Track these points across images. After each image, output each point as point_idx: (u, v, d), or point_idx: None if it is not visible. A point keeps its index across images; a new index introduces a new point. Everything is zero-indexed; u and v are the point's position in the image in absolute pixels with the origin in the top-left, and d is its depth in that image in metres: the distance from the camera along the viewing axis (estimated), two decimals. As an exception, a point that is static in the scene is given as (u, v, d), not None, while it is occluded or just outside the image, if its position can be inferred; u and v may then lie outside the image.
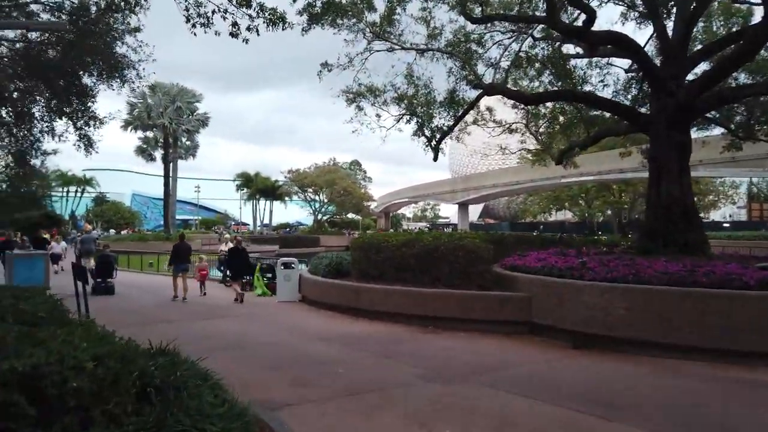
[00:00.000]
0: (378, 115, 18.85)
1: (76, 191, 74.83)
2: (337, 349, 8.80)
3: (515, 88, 15.32)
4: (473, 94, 15.46)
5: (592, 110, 16.78)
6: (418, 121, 16.43)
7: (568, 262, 11.46)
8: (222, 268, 19.37)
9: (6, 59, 14.54)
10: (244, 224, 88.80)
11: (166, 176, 46.64)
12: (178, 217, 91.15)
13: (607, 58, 15.97)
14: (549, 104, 19.05)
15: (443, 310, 10.98)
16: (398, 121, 18.73)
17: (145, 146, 51.26)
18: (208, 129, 48.34)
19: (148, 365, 4.30)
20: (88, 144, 16.02)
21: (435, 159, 16.79)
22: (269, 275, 16.10)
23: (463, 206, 58.64)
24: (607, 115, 16.58)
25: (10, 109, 15.47)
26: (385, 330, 10.69)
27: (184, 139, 51.25)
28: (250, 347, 8.92)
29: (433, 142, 16.85)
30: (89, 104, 14.87)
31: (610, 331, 8.90)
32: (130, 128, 45.67)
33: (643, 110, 14.34)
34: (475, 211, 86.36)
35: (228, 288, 18.04)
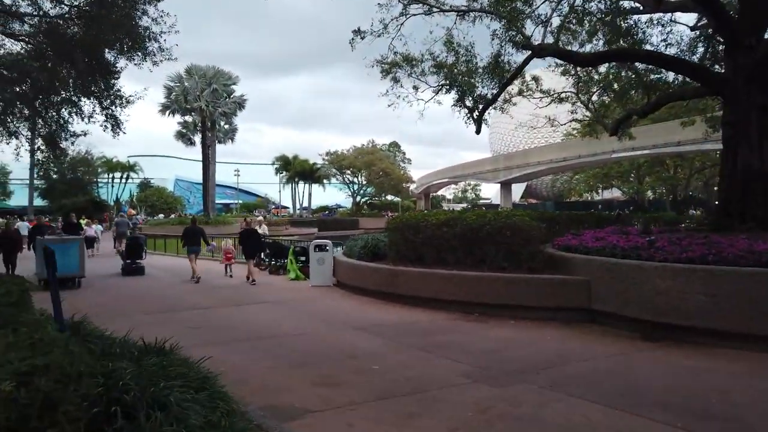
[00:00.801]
0: (415, 87, 17.72)
1: (121, 177, 76.45)
2: (370, 341, 7.85)
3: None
4: (520, 58, 14.12)
5: (653, 74, 15.14)
6: (458, 91, 15.18)
7: (631, 241, 10.21)
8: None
9: (28, 38, 14.04)
10: (284, 207, 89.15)
11: (205, 160, 46.56)
12: (218, 201, 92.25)
13: (670, 14, 14.28)
14: (602, 69, 17.47)
15: (489, 296, 9.89)
16: (437, 93, 17.51)
17: (184, 131, 51.36)
18: (249, 115, 48.47)
19: (125, 373, 3.40)
20: (115, 124, 15.47)
21: (478, 131, 15.55)
22: (303, 258, 15.30)
23: (506, 185, 56.59)
24: (670, 78, 14.92)
25: (36, 89, 15.02)
26: (425, 318, 9.68)
27: (222, 123, 51.08)
28: (275, 338, 8.06)
29: (476, 113, 15.59)
30: (113, 82, 14.27)
31: (687, 320, 7.65)
32: (167, 112, 45.68)
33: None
34: (517, 192, 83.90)
35: (262, 271, 17.39)
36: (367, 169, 68.58)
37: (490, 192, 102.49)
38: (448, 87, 15.94)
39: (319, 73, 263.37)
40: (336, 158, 71.06)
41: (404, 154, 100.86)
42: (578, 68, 17.94)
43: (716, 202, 12.98)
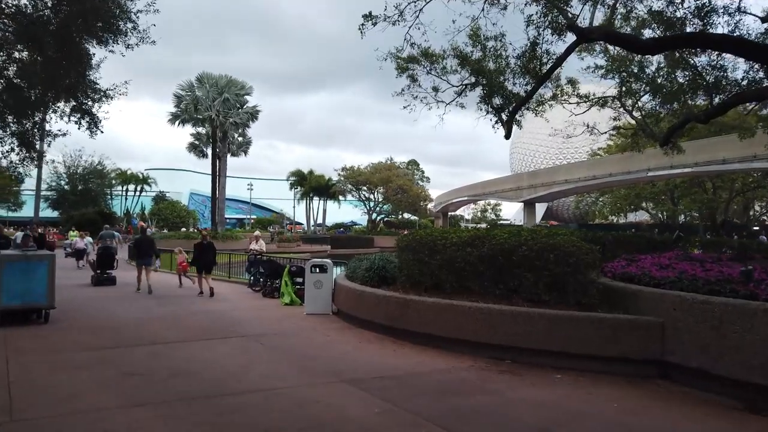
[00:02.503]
0: (435, 88, 15.57)
1: (135, 190, 75.48)
2: (366, 406, 5.55)
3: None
4: (560, 48, 11.85)
5: (717, 70, 12.79)
6: (485, 88, 12.97)
7: (712, 271, 7.87)
8: (252, 270, 16.55)
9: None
10: (299, 224, 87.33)
11: (214, 172, 44.80)
12: (233, 216, 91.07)
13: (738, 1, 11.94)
14: (652, 66, 15.18)
15: (526, 338, 7.57)
16: (460, 94, 15.32)
17: (197, 142, 49.97)
18: (267, 131, 46.78)
19: None
20: (91, 122, 13.53)
21: (507, 136, 13.28)
22: (300, 280, 13.08)
23: (530, 205, 53.78)
24: (740, 75, 12.56)
25: (3, 82, 13.21)
26: (442, 365, 7.38)
27: (236, 135, 49.55)
28: (233, 397, 5.80)
29: (505, 114, 13.35)
30: (87, 72, 12.35)
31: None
32: (177, 122, 44.12)
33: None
34: (538, 213, 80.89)
35: (255, 293, 15.22)
36: (384, 186, 66.42)
37: (510, 212, 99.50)
38: (473, 84, 13.76)
39: (337, 91, 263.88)
40: (352, 174, 69.07)
41: (423, 172, 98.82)
42: (623, 69, 15.70)
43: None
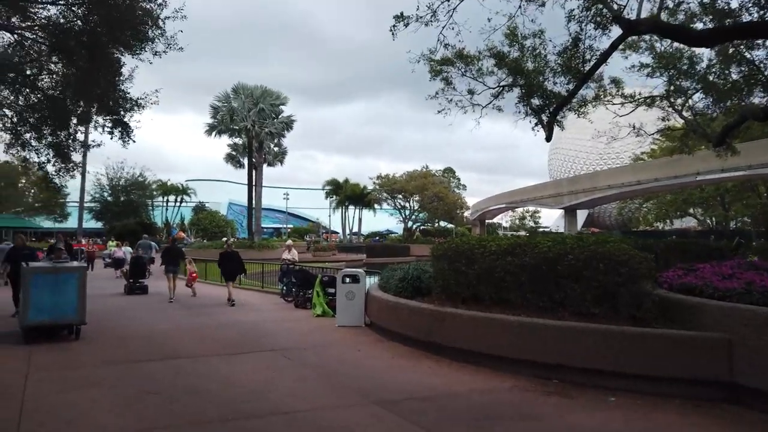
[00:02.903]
0: (471, 91, 15.02)
1: (176, 201, 77.02)
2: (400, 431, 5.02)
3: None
4: (604, 44, 11.12)
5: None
6: (524, 88, 12.33)
7: (787, 281, 7.05)
8: (284, 279, 16.21)
9: (25, 33, 12.31)
10: (334, 233, 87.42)
11: (250, 182, 45.07)
12: (269, 225, 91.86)
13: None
14: (702, 63, 14.27)
15: (575, 356, 6.89)
16: (497, 96, 14.72)
17: (234, 153, 50.53)
18: (304, 142, 46.94)
19: None
20: (124, 132, 13.50)
21: (548, 138, 12.58)
22: (332, 290, 12.64)
23: (571, 212, 52.08)
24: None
25: (39, 94, 13.33)
26: (482, 385, 6.77)
27: (272, 145, 49.85)
28: (250, 420, 5.34)
29: (545, 116, 12.68)
30: (117, 80, 12.30)
31: None
32: (214, 133, 44.66)
33: None
34: (579, 220, 78.57)
35: (287, 304, 14.86)
36: (420, 194, 65.75)
37: (550, 220, 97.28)
38: (510, 85, 13.14)
39: (372, 99, 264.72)
40: (387, 182, 68.70)
41: (459, 179, 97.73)
42: (671, 66, 14.79)
43: None
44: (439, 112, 15.18)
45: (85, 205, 60.20)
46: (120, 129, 13.39)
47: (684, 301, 7.10)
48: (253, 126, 43.01)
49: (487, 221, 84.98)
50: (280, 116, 46.41)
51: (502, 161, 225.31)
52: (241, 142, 48.24)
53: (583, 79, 11.09)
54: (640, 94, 15.81)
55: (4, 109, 14.49)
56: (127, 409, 5.62)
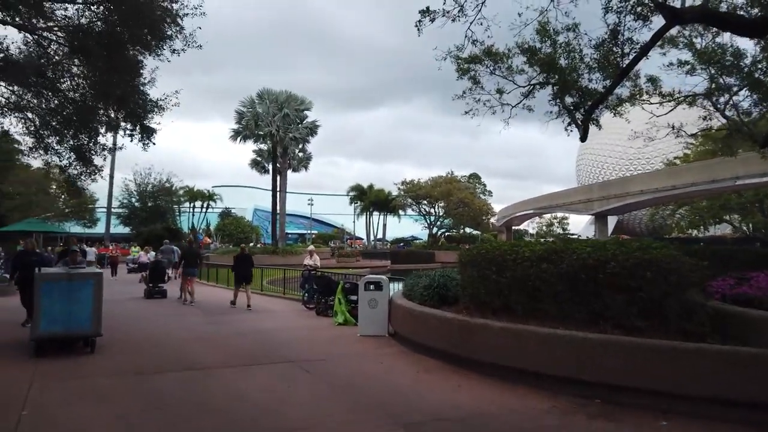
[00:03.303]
0: (500, 91, 14.43)
1: (202, 206, 77.68)
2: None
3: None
4: (644, 36, 10.40)
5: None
6: (556, 87, 11.68)
7: None
8: (306, 286, 15.77)
9: (45, 34, 12.14)
10: (359, 238, 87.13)
11: (274, 187, 44.96)
12: (294, 231, 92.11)
13: None
14: (746, 59, 13.40)
15: (621, 374, 6.23)
16: (527, 96, 14.10)
17: (258, 158, 50.59)
18: (328, 148, 46.80)
19: None
20: (144, 134, 13.25)
21: (583, 138, 11.89)
22: (354, 298, 12.12)
23: (601, 218, 50.58)
24: None
25: (60, 97, 13.16)
26: (516, 404, 6.15)
27: (296, 150, 49.77)
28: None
29: (579, 114, 11.99)
30: (136, 81, 12.03)
31: None
32: (239, 138, 44.75)
33: None
34: (612, 222, 76.12)
35: (309, 311, 14.39)
36: (445, 199, 64.96)
37: (577, 226, 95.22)
38: (542, 83, 12.50)
39: (396, 106, 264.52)
40: (412, 188, 68.09)
41: (484, 185, 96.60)
42: (713, 61, 13.95)
43: None
44: (466, 112, 14.65)
45: (114, 210, 61.11)
46: (141, 131, 13.12)
47: (744, 314, 6.39)
48: (277, 131, 42.91)
49: (513, 228, 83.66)
50: (304, 121, 46.29)
51: (527, 167, 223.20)
52: (266, 148, 48.25)
53: (622, 74, 10.38)
54: (679, 92, 14.96)
55: (26, 113, 14.42)
56: (131, 426, 5.17)
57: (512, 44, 13.66)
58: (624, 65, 10.25)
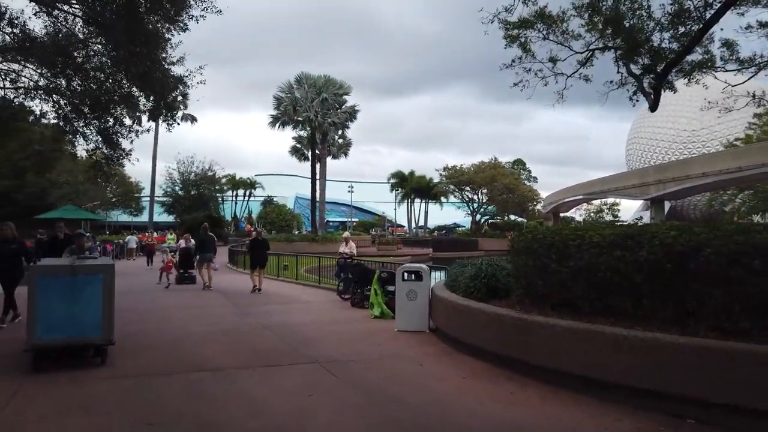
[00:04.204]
0: (553, 59, 12.98)
1: (244, 194, 78.26)
2: None
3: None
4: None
5: None
6: (621, 49, 10.18)
7: None
8: (341, 275, 14.78)
9: (63, 7, 11.43)
10: (400, 226, 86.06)
11: (313, 174, 44.24)
12: (336, 219, 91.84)
13: None
14: None
15: (721, 388, 4.91)
16: (585, 63, 12.61)
17: (298, 146, 50.04)
18: (369, 136, 45.71)
19: None
20: (168, 113, 12.46)
21: (654, 107, 10.37)
22: (392, 289, 11.02)
23: (658, 203, 47.51)
24: None
25: (81, 76, 12.49)
26: (586, 422, 4.97)
27: (336, 137, 48.92)
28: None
29: (647, 80, 10.47)
30: (156, 54, 11.18)
31: None
32: (278, 124, 44.10)
33: None
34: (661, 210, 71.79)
35: (344, 302, 13.39)
36: (489, 186, 62.98)
37: (627, 213, 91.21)
38: (604, 46, 11.00)
39: (438, 93, 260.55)
40: (454, 173, 66.35)
41: (529, 172, 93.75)
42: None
43: None
44: (515, 84, 13.25)
45: (158, 199, 62.01)
46: (165, 110, 12.32)
47: None
48: (316, 116, 42.01)
49: (561, 214, 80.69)
50: (343, 106, 45.22)
51: (572, 153, 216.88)
52: (305, 135, 47.57)
53: (706, 26, 8.79)
54: (761, 56, 13.08)
55: (52, 95, 13.88)
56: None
57: (566, 5, 12.20)
58: (707, 17, 8.68)
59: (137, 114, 13.03)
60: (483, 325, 7.41)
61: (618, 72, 12.00)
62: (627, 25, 9.70)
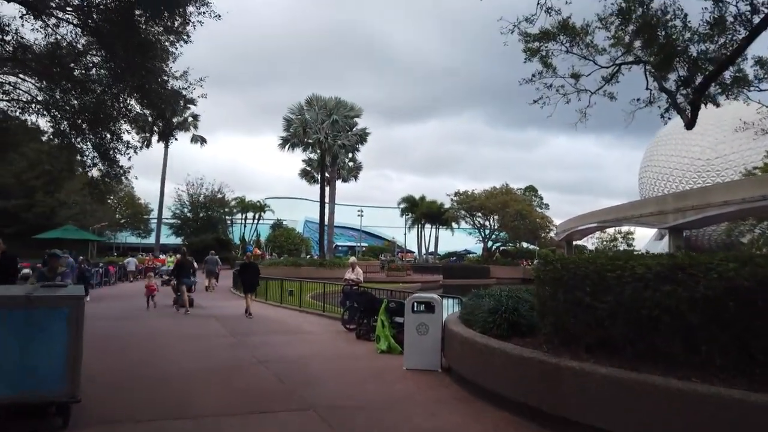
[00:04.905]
0: (575, 75, 12.21)
1: (254, 217, 77.67)
2: None
3: None
4: None
5: None
6: (649, 63, 9.34)
7: None
8: (346, 303, 13.82)
9: (59, 14, 10.83)
10: (410, 252, 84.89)
11: (322, 196, 43.46)
12: (344, 243, 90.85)
13: None
14: None
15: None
16: (611, 80, 11.80)
17: (308, 168, 49.49)
18: (377, 161, 45.08)
19: None
20: (165, 126, 11.76)
21: (690, 124, 9.42)
22: (400, 320, 10.05)
23: (677, 232, 46.06)
24: None
25: (78, 89, 11.86)
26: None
27: (346, 159, 48.32)
28: None
29: (682, 95, 9.61)
30: (151, 63, 10.49)
31: None
32: (287, 146, 43.55)
33: None
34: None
35: (349, 333, 12.41)
36: (501, 212, 61.89)
37: (641, 242, 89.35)
38: (634, 60, 10.19)
39: (447, 119, 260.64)
40: (465, 199, 65.37)
41: (541, 198, 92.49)
42: None
43: None
44: (535, 101, 12.46)
45: (167, 221, 61.55)
46: (161, 123, 11.63)
47: None
48: (326, 138, 41.38)
49: (574, 242, 79.20)
50: (354, 129, 44.65)
51: (583, 181, 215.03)
52: (315, 157, 46.98)
53: (751, 35, 7.91)
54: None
55: (50, 109, 13.27)
56: None
57: (590, 17, 11.44)
58: (756, 22, 7.81)
59: (134, 127, 12.33)
60: (505, 369, 6.42)
61: (647, 88, 11.16)
62: (661, 34, 8.85)
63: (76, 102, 12.22)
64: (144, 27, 10.06)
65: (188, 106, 51.77)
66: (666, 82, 10.60)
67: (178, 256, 19.66)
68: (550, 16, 10.39)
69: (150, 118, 11.69)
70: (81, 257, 21.99)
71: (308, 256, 60.94)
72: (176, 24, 9.92)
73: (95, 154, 13.62)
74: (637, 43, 10.00)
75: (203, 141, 52.34)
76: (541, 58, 11.79)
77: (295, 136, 42.59)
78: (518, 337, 7.11)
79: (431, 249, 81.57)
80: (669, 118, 10.55)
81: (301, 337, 11.96)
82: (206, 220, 61.88)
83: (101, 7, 10.12)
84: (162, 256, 51.43)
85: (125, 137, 13.20)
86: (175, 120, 48.73)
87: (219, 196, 64.67)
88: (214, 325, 13.55)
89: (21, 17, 9.85)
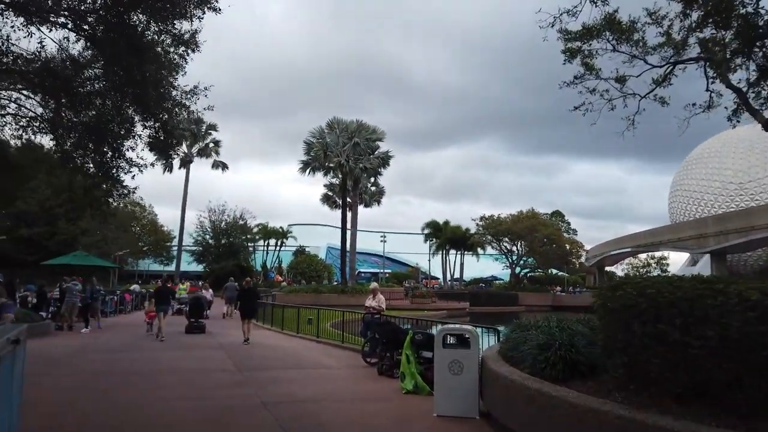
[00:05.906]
0: (621, 79, 11.01)
1: (276, 244, 77.01)
2: None
3: None
4: None
5: None
6: (726, 50, 8.03)
7: None
8: (368, 334, 12.48)
9: (57, 20, 10.02)
10: (434, 278, 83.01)
11: (343, 221, 42.32)
12: (367, 270, 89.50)
13: None
14: None
15: None
16: (661, 83, 10.59)
17: (330, 193, 48.68)
18: (399, 188, 43.85)
19: None
20: (166, 141, 10.80)
21: (767, 126, 8.03)
22: (429, 355, 8.70)
23: (718, 256, 43.54)
24: None
25: (75, 97, 11.01)
26: None
27: (368, 184, 47.32)
28: None
29: (753, 93, 8.26)
30: (147, 69, 9.52)
31: None
32: (308, 170, 42.66)
33: None
34: (706, 266, 65.33)
35: (369, 367, 11.03)
36: (529, 236, 59.91)
37: (674, 268, 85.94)
38: (696, 57, 8.92)
39: (466, 145, 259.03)
40: (491, 223, 63.61)
41: (569, 224, 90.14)
42: None
43: None
44: (576, 108, 11.26)
45: (189, 248, 61.14)
46: (164, 137, 10.63)
47: None
48: (347, 161, 40.44)
49: (606, 268, 76.45)
50: (376, 152, 43.64)
51: (608, 207, 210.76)
52: (336, 182, 46.11)
53: None
54: None
55: (51, 125, 12.48)
56: None
57: (636, 13, 10.25)
58: None
59: (138, 142, 11.40)
60: (566, 422, 5.02)
61: (707, 89, 9.83)
62: (739, 12, 7.53)
63: (76, 119, 11.38)
64: (140, 28, 9.14)
65: (210, 132, 51.89)
66: (731, 77, 9.28)
67: (188, 283, 19.23)
68: (596, 6, 9.19)
69: (151, 131, 10.67)
70: (67, 279, 20.14)
71: (330, 283, 59.72)
72: (174, 18, 8.94)
73: (96, 172, 12.77)
74: (693, 38, 8.69)
75: (225, 166, 52.07)
76: (583, 58, 10.59)
77: (315, 159, 41.75)
78: (578, 379, 5.72)
79: (456, 275, 79.66)
80: (738, 121, 9.16)
81: (317, 372, 10.63)
82: (228, 247, 61.27)
83: (95, 6, 9.25)
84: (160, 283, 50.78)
85: (129, 154, 12.30)
86: (195, 147, 48.34)
87: (241, 222, 64.19)
88: (222, 357, 12.34)
89: (10, 26, 9.08)
